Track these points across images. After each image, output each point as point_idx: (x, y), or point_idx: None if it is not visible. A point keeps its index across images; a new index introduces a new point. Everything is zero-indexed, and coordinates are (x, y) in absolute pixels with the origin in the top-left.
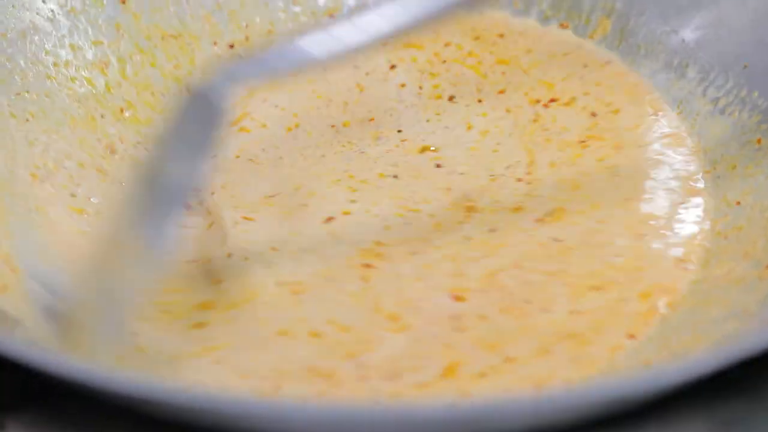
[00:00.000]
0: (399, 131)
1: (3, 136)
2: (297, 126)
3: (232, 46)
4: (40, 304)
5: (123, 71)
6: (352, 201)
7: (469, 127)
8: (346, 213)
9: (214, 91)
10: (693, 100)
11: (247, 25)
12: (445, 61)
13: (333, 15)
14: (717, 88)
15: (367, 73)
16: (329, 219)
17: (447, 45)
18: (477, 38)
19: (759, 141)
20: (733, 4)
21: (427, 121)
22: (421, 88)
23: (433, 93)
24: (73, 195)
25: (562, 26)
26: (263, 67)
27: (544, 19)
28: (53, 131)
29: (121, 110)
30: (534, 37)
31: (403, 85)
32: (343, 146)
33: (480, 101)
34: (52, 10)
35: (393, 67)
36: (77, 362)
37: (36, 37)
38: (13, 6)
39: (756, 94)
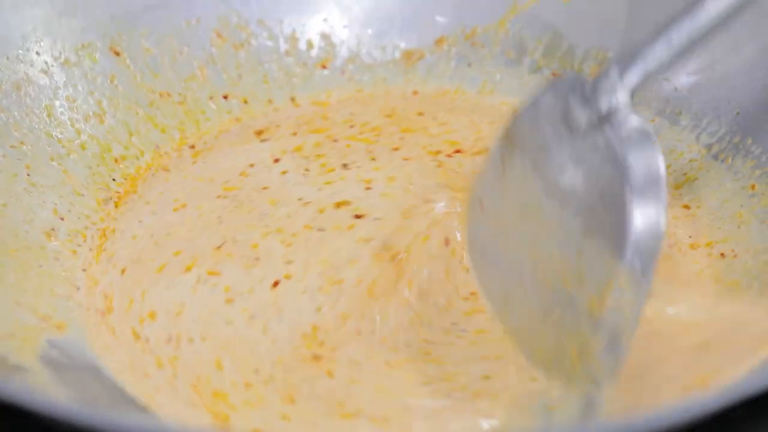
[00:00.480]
0: (299, 198)
1: (10, 192)
2: (184, 206)
3: (225, 97)
4: (44, 353)
5: (118, 125)
6: (289, 262)
7: (368, 182)
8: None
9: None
10: (686, 146)
11: (240, 76)
12: (336, 140)
13: (325, 66)
14: (710, 135)
15: (251, 165)
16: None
17: (351, 126)
18: (389, 116)
19: (753, 187)
20: (725, 51)
21: (319, 189)
22: (307, 170)
23: (322, 170)
24: (74, 252)
25: (554, 75)
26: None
27: (537, 69)
28: (56, 187)
29: (116, 160)
30: (466, 110)
31: (284, 172)
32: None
33: (373, 159)
34: (46, 62)
35: (277, 160)
36: (76, 407)
37: (30, 89)
38: (7, 58)
39: (750, 140)
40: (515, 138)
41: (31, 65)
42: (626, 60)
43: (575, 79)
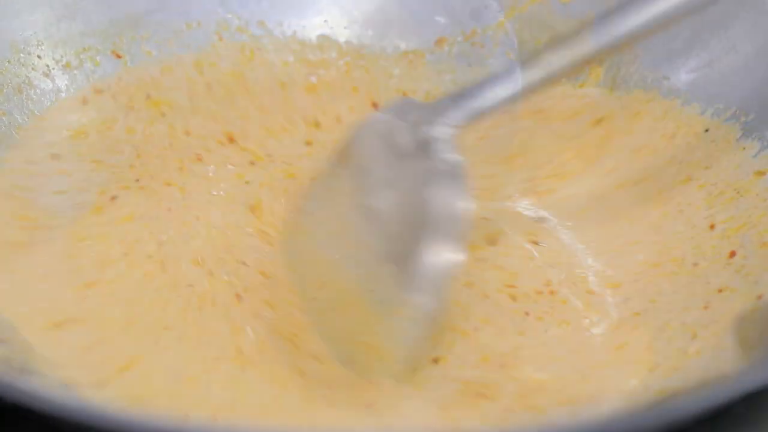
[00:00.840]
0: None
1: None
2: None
3: None
4: None
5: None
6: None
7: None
8: None
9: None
10: None
11: None
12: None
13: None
14: None
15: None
16: None
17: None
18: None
19: None
20: (724, 49)
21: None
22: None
23: (224, 175)
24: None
25: None
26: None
27: None
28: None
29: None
30: None
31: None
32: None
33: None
34: (48, 65)
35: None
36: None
37: (32, 93)
38: (8, 61)
39: None
40: (349, 151)
41: (33, 68)
42: (458, 95)
43: (409, 104)
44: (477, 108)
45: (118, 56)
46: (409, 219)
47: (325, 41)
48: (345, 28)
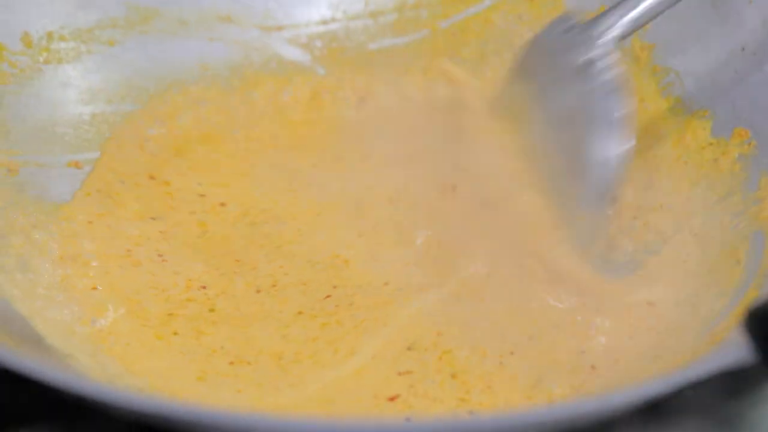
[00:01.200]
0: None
1: None
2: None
3: None
4: None
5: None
6: None
7: None
8: None
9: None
10: None
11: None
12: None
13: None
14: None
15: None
16: None
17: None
18: None
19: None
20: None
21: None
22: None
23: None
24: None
25: None
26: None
27: None
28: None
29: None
30: None
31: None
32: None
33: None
34: (60, 53)
35: None
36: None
37: (43, 82)
38: (22, 50)
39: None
40: (525, 65)
41: (48, 56)
42: (614, 11)
43: (570, 22)
44: (633, 24)
45: (126, 46)
46: (578, 132)
47: (333, 31)
48: (351, 17)
